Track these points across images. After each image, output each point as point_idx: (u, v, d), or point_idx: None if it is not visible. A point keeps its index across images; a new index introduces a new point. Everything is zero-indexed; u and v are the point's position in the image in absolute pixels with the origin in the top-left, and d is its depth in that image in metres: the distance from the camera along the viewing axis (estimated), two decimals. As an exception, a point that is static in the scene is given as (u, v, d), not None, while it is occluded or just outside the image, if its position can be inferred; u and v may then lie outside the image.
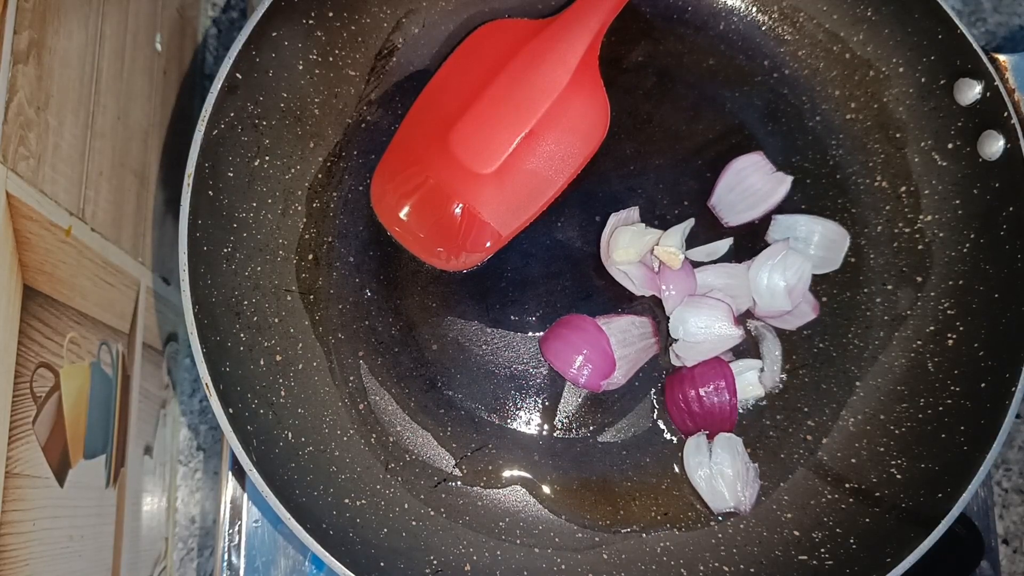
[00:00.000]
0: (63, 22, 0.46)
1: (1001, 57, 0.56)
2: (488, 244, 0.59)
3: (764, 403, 0.59)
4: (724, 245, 0.59)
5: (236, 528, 0.59)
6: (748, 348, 0.59)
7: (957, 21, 0.56)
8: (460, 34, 0.63)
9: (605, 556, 0.56)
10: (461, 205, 0.58)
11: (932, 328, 0.58)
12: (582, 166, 0.60)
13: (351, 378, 0.58)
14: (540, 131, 0.58)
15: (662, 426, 0.59)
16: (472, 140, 0.58)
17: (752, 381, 0.59)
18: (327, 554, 0.49)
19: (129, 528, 0.55)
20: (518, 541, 0.56)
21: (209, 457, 0.65)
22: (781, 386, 0.59)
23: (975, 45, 0.56)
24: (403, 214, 0.59)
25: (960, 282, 0.58)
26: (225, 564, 0.58)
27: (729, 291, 0.58)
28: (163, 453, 0.61)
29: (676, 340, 0.58)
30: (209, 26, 0.71)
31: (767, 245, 0.59)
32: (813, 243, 0.59)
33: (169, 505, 0.63)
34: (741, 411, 0.59)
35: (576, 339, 0.57)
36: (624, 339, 0.57)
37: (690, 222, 0.59)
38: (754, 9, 0.64)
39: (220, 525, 0.59)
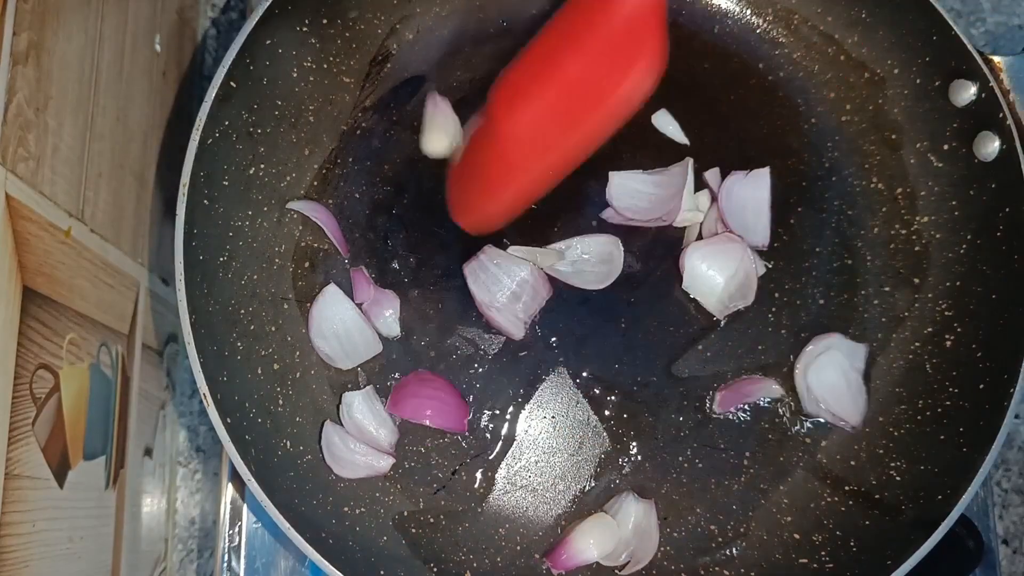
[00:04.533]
0: (62, 24, 0.46)
1: (996, 58, 0.56)
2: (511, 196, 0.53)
3: (763, 404, 0.59)
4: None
5: (236, 529, 0.58)
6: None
7: (951, 23, 0.56)
8: (455, 39, 0.63)
9: (604, 558, 0.56)
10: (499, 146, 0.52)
11: (930, 329, 0.58)
12: (620, 113, 0.50)
13: (349, 385, 0.58)
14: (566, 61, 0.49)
15: (662, 426, 0.59)
16: (505, 92, 0.51)
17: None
18: (327, 563, 0.49)
19: (129, 529, 0.55)
20: (518, 548, 0.56)
21: (209, 458, 0.65)
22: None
23: (970, 46, 0.56)
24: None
25: (957, 283, 0.58)
26: (225, 565, 0.58)
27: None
28: (163, 454, 0.61)
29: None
30: (208, 27, 0.71)
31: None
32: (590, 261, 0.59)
33: (169, 506, 0.62)
34: (742, 413, 0.59)
35: (426, 396, 0.57)
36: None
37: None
38: (749, 12, 0.64)
39: (220, 526, 0.58)
